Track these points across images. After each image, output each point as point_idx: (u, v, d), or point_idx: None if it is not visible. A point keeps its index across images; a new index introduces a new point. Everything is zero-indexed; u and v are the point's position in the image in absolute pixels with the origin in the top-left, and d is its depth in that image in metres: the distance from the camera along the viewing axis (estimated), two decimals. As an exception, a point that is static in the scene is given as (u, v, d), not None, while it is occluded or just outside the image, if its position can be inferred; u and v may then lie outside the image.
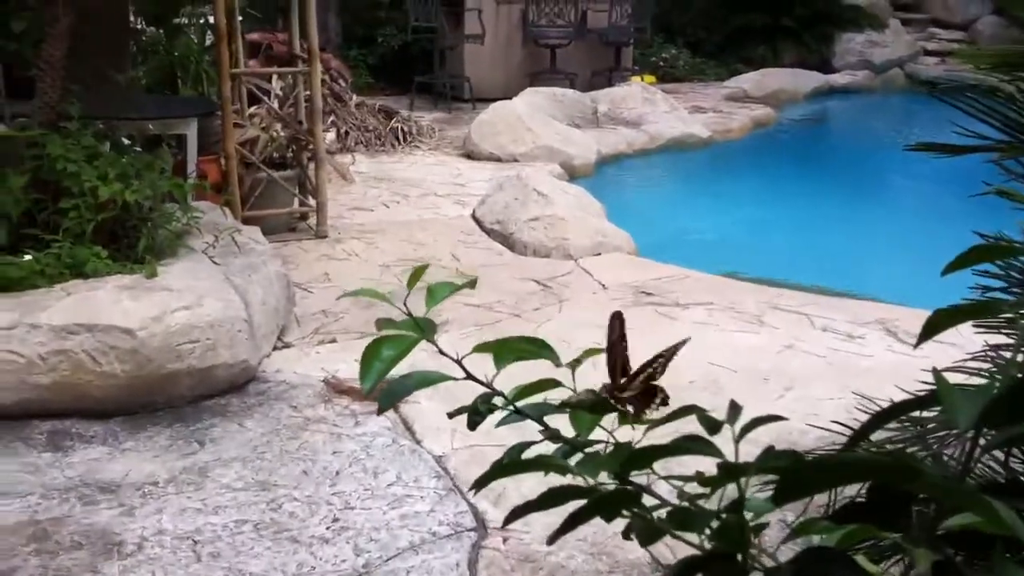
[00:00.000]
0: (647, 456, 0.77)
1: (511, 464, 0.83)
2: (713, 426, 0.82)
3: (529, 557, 2.65)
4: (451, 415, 1.01)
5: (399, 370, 0.96)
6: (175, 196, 4.13)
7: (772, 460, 0.68)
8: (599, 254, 5.38)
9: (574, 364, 1.03)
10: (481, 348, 0.96)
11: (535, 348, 0.98)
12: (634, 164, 8.52)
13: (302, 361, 3.87)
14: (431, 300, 0.99)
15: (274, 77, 6.69)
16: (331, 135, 7.55)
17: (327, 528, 2.76)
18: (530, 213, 5.66)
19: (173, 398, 3.44)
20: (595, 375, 1.03)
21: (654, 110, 9.31)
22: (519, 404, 0.96)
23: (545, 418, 1.03)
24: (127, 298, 3.41)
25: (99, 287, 3.47)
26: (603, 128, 9.08)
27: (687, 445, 0.77)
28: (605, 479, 0.93)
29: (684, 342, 1.02)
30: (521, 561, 2.63)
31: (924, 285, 5.65)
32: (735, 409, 0.81)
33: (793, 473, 0.63)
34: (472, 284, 1.14)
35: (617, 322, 1.04)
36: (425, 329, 0.95)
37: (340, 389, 3.60)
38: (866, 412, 1.90)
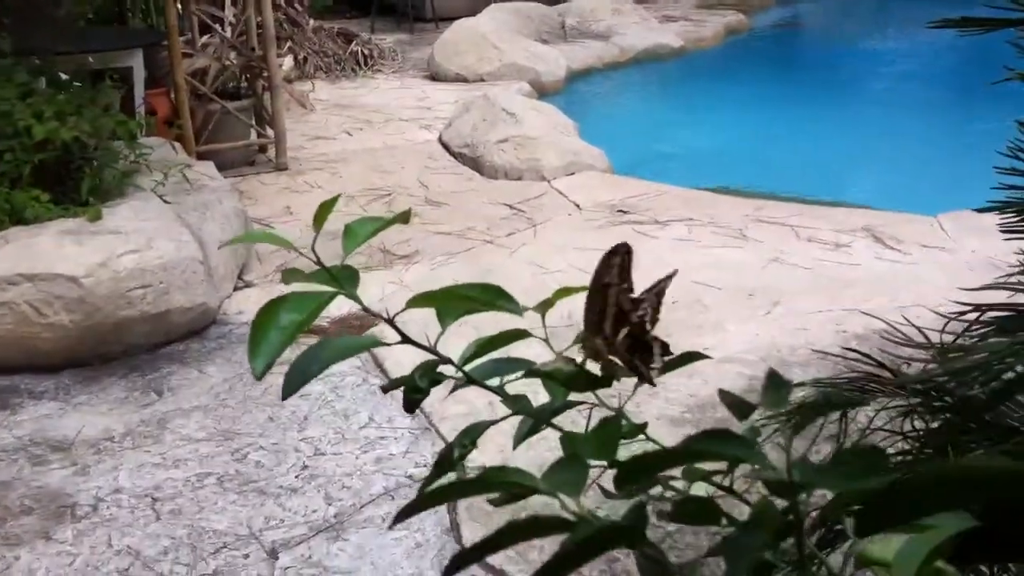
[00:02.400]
0: (651, 465, 0.56)
1: (446, 489, 0.61)
2: (744, 411, 0.63)
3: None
4: (385, 389, 0.82)
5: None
6: (119, 133, 3.87)
7: (851, 478, 0.48)
8: (573, 174, 5.16)
9: (543, 308, 0.84)
10: (419, 301, 0.75)
11: (489, 297, 0.78)
12: (605, 78, 8.24)
13: (265, 300, 3.66)
14: (350, 242, 0.79)
15: (226, 3, 6.35)
16: (288, 62, 7.23)
17: (296, 477, 2.60)
18: (499, 134, 5.42)
19: (127, 346, 3.24)
20: (574, 317, 0.85)
21: (623, 21, 9.00)
22: (476, 366, 0.78)
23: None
24: (70, 243, 3.19)
25: (40, 233, 3.24)
26: (572, 42, 8.77)
27: (712, 448, 0.55)
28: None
29: (671, 276, 0.81)
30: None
31: (909, 188, 5.49)
32: (777, 384, 0.61)
33: (885, 500, 0.43)
34: (405, 218, 0.92)
35: (616, 259, 0.80)
36: (343, 281, 0.74)
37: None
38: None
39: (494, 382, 0.84)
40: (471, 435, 0.79)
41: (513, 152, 5.27)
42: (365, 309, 0.83)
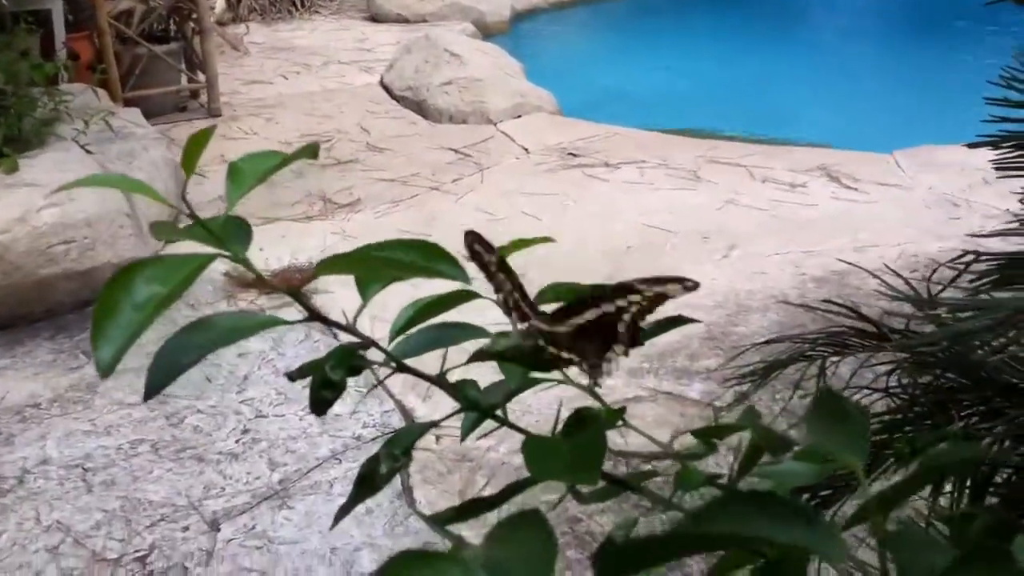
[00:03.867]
0: (652, 555, 0.38)
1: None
2: (780, 447, 0.47)
3: (466, 455, 2.38)
4: (291, 378, 0.66)
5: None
6: (36, 79, 3.62)
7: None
8: (520, 116, 5.00)
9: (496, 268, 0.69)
10: (331, 266, 0.59)
11: (422, 259, 0.60)
12: (551, 18, 8.03)
13: (199, 253, 3.48)
14: (236, 185, 0.62)
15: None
16: (220, 3, 6.91)
17: (236, 442, 2.45)
18: (443, 76, 5.23)
19: (52, 305, 3.04)
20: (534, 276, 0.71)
21: (568, -41, 8.76)
22: (412, 335, 0.63)
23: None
24: (-16, 197, 2.97)
25: (-49, 187, 3.02)
26: (516, -19, 8.52)
27: (752, 529, 0.35)
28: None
29: (690, 287, 0.64)
30: (458, 461, 2.36)
31: (864, 126, 5.40)
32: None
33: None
34: (313, 152, 0.72)
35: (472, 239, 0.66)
36: (229, 239, 0.58)
37: (243, 283, 3.24)
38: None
39: (435, 355, 0.70)
40: (401, 443, 0.64)
41: (458, 95, 5.09)
42: (252, 271, 0.67)
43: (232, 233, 0.58)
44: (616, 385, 2.63)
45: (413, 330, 0.74)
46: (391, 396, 2.63)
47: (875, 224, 3.58)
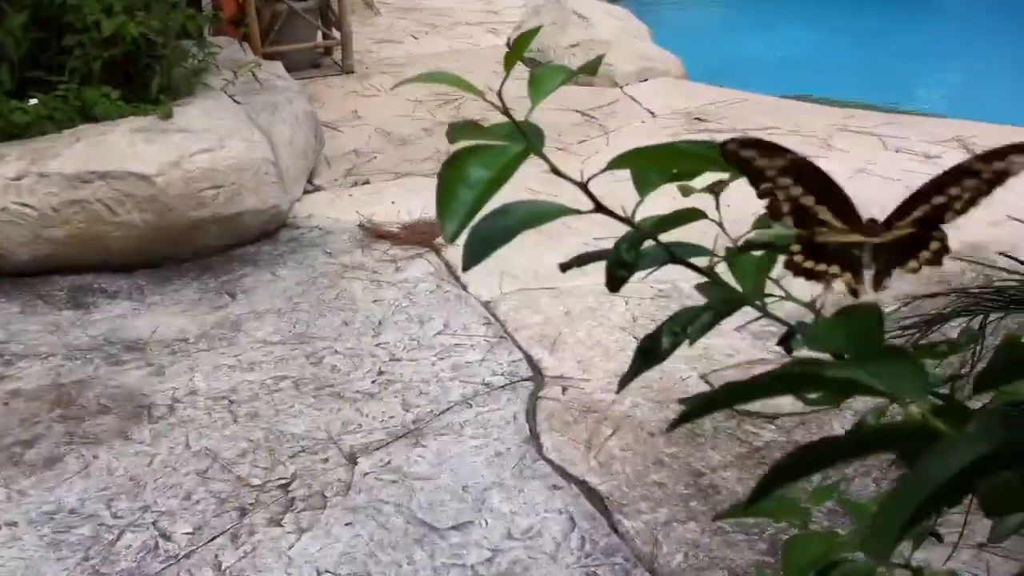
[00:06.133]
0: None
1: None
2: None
3: (591, 407, 2.43)
4: (565, 267, 0.72)
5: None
6: (188, 30, 3.78)
7: None
8: (646, 80, 4.98)
9: (717, 188, 0.74)
10: (619, 162, 0.65)
11: (702, 150, 0.64)
12: (678, -18, 7.93)
13: (335, 204, 3.61)
14: (537, 92, 0.70)
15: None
16: (353, -37, 7.04)
17: (372, 382, 2.56)
18: (570, 38, 5.24)
19: (199, 248, 3.21)
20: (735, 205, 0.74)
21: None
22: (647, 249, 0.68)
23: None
24: (142, 142, 3.13)
25: (111, 131, 3.19)
26: (643, -55, 8.43)
27: None
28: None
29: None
30: (583, 412, 2.41)
31: (1001, 97, 5.21)
32: None
33: None
34: (594, 69, 0.79)
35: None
36: (531, 138, 0.65)
37: (377, 233, 3.35)
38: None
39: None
40: (681, 321, 0.69)
41: (584, 57, 5.09)
42: (556, 171, 0.73)
43: (532, 133, 0.65)
44: (741, 347, 2.64)
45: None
46: (519, 348, 2.69)
47: (1015, 199, 3.47)
